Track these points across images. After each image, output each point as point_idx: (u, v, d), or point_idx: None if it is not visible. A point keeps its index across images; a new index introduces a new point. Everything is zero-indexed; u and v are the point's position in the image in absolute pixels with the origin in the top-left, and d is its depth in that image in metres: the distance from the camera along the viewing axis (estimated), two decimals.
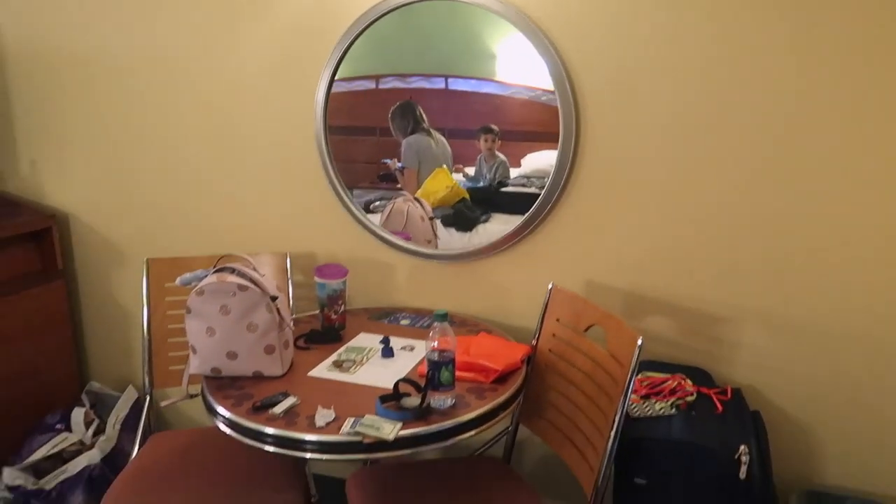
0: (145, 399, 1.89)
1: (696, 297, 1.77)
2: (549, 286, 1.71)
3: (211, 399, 1.46)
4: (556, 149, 1.81)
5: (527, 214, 1.87)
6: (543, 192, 1.84)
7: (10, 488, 1.96)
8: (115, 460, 2.08)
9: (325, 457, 1.31)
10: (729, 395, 1.63)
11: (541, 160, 1.86)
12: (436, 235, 2.00)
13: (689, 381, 1.64)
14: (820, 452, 1.77)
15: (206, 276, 1.52)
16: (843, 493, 1.72)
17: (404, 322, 1.89)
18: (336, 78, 1.96)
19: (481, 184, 1.92)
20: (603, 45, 1.70)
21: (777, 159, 1.63)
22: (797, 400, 1.75)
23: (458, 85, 1.88)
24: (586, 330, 1.56)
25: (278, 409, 1.38)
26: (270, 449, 1.34)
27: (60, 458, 2.09)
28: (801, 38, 1.55)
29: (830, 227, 1.63)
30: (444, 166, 1.94)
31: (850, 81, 1.54)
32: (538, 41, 1.74)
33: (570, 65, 1.74)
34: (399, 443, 1.30)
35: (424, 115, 1.93)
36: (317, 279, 1.78)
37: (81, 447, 2.11)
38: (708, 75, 1.64)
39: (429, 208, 1.99)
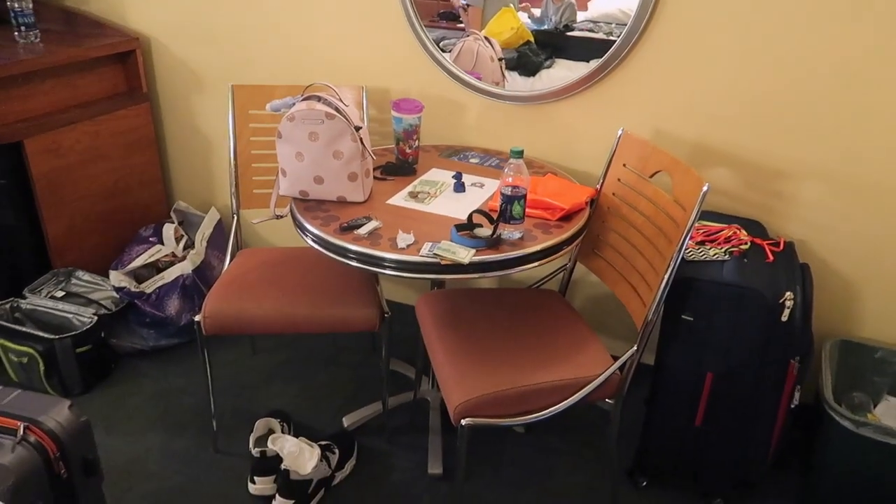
0: (233, 219, 2.06)
1: (761, 150, 1.80)
2: (619, 132, 1.76)
3: (301, 218, 1.60)
4: None
5: (600, 60, 1.86)
6: (620, 38, 1.82)
7: (117, 289, 2.21)
8: (204, 273, 2.31)
9: (404, 275, 1.47)
10: (781, 246, 1.71)
11: (609, 4, 1.81)
12: (504, 77, 2.02)
13: (743, 232, 1.71)
14: (860, 307, 1.86)
15: (294, 103, 1.61)
16: (876, 345, 1.84)
17: (473, 160, 1.98)
18: None
19: (546, 26, 1.89)
20: None
21: (868, 12, 1.58)
22: (846, 256, 1.82)
23: None
24: (652, 176, 1.62)
25: (363, 230, 1.53)
26: (354, 265, 1.50)
27: (156, 268, 2.33)
28: None
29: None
30: (511, 5, 1.91)
31: None
32: None
33: None
34: (472, 267, 1.44)
35: None
36: (393, 113, 1.86)
37: (174, 259, 2.34)
38: None
39: (499, 49, 1.99)
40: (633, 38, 1.81)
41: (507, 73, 1.99)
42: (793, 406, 1.65)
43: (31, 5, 2.20)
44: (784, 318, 1.52)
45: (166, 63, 2.46)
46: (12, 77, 2.05)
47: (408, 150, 1.89)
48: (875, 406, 1.81)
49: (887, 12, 1.57)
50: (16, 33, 2.22)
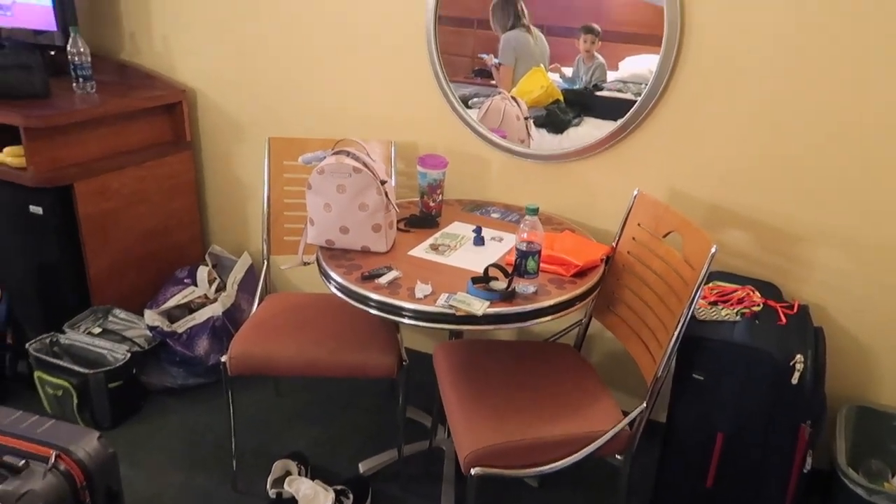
0: (263, 263, 2.16)
1: (776, 213, 1.84)
2: (635, 192, 1.81)
3: (326, 266, 1.68)
4: (657, 53, 1.81)
5: (620, 121, 1.93)
6: (640, 98, 1.88)
7: (150, 328, 2.31)
8: (233, 315, 2.40)
9: (420, 323, 1.53)
10: (795, 309, 1.73)
11: (640, 64, 1.86)
12: (529, 135, 2.10)
13: (757, 294, 1.74)
14: (878, 373, 1.86)
15: (325, 157, 1.71)
16: (895, 413, 1.83)
17: (494, 215, 2.05)
18: None
19: (577, 86, 1.96)
20: None
21: (883, 78, 1.63)
22: (863, 321, 1.83)
23: None
24: (665, 236, 1.67)
25: (384, 279, 1.60)
26: (374, 312, 1.56)
27: (188, 308, 2.43)
28: None
29: None
30: (541, 66, 1.99)
31: None
32: None
33: None
34: (486, 318, 1.49)
35: (525, 11, 1.95)
36: (419, 168, 1.95)
37: (206, 301, 2.44)
38: None
39: (525, 108, 2.08)
40: (654, 98, 1.87)
41: (535, 129, 2.05)
42: (806, 471, 1.64)
43: (89, 59, 2.37)
44: (794, 380, 1.54)
45: (209, 113, 2.61)
46: (69, 125, 2.20)
47: (431, 204, 1.97)
48: (893, 475, 1.79)
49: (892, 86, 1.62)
50: (74, 84, 2.39)
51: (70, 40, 2.32)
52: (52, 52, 2.49)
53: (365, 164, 1.68)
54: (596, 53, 1.90)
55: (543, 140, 2.06)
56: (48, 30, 2.44)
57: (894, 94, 1.63)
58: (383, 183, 1.69)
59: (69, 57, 2.34)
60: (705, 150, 1.88)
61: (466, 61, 2.09)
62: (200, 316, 2.35)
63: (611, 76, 1.90)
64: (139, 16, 2.60)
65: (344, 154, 1.70)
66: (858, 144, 1.70)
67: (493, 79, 2.07)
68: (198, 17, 2.48)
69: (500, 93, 2.09)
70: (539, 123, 2.05)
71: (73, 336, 2.26)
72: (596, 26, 1.87)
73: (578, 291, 1.61)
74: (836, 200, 1.77)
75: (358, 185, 1.67)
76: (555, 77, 1.98)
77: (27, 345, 2.18)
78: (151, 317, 2.32)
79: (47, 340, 2.23)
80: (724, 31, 1.76)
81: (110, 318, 2.38)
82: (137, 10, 2.59)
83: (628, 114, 1.91)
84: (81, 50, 2.33)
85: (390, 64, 2.21)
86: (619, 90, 1.91)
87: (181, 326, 2.33)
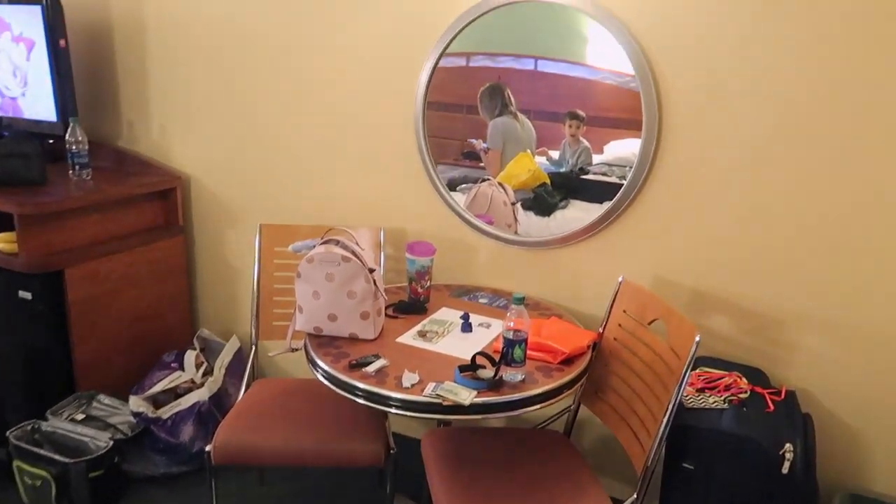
0: (251, 348, 2.16)
1: (760, 298, 1.87)
2: (619, 279, 1.84)
3: (313, 354, 1.69)
4: (639, 137, 1.87)
5: (605, 207, 1.97)
6: (624, 185, 1.93)
7: (134, 414, 2.27)
8: (220, 400, 2.38)
9: (408, 413, 1.52)
10: (782, 395, 1.73)
11: (624, 148, 1.92)
12: (516, 220, 2.14)
13: (744, 380, 1.75)
14: (869, 459, 1.85)
15: (315, 245, 1.74)
16: (889, 501, 1.80)
17: (482, 301, 2.07)
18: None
19: (563, 169, 2.01)
20: (690, 42, 1.79)
21: (861, 168, 1.70)
22: (851, 406, 1.83)
23: (547, 67, 1.94)
24: (650, 323, 1.69)
25: (371, 368, 1.60)
26: (361, 402, 1.56)
27: (174, 393, 2.40)
28: None
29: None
30: (528, 151, 2.04)
31: None
32: (622, 36, 1.83)
33: (654, 61, 1.84)
34: (473, 408, 1.49)
35: (512, 98, 2.02)
36: (407, 255, 1.98)
37: (192, 385, 2.41)
38: (800, 80, 1.70)
39: (511, 193, 2.13)
40: (636, 185, 1.92)
41: (523, 212, 2.09)
42: None
43: (87, 147, 2.43)
44: (785, 470, 1.52)
45: (203, 199, 2.66)
46: (63, 212, 2.24)
47: (420, 290, 1.99)
48: None
49: (875, 166, 1.68)
50: (70, 171, 2.44)
51: (69, 130, 2.38)
52: (51, 140, 2.55)
53: (354, 253, 1.71)
54: (581, 138, 1.96)
55: (531, 222, 2.10)
56: (48, 120, 2.51)
57: (872, 181, 1.69)
58: (371, 271, 1.72)
59: (67, 146, 2.40)
60: (688, 236, 1.92)
61: (456, 144, 2.15)
62: (186, 401, 2.32)
63: (596, 159, 1.96)
64: (138, 105, 2.68)
65: (333, 243, 1.73)
66: (838, 231, 1.75)
67: (481, 161, 2.13)
68: (195, 107, 2.57)
69: (487, 179, 2.15)
70: (527, 206, 2.10)
71: (56, 423, 2.22)
72: (580, 112, 1.94)
73: (566, 379, 1.61)
74: (816, 285, 1.80)
75: (346, 273, 1.70)
76: (542, 160, 2.04)
77: (7, 433, 2.14)
78: (136, 402, 2.29)
79: (28, 428, 2.19)
80: (701, 119, 1.83)
81: (94, 404, 2.34)
82: (137, 100, 2.68)
83: (613, 200, 1.95)
84: (79, 139, 2.40)
85: (380, 152, 2.28)
86: (605, 173, 1.96)
87: (166, 412, 2.29)
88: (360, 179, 2.34)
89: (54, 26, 2.39)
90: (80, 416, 2.27)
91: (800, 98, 1.71)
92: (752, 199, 1.82)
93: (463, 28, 2.02)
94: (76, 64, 2.65)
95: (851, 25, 1.62)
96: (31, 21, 2.41)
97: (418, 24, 2.10)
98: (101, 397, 2.35)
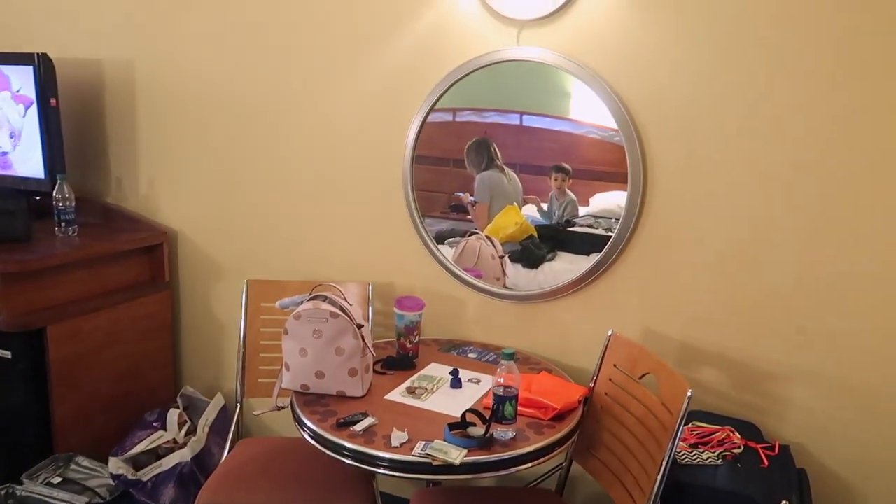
0: (236, 407, 2.11)
1: (749, 352, 1.86)
2: (609, 333, 1.84)
3: (299, 412, 1.65)
4: (625, 189, 1.90)
5: (592, 262, 1.98)
6: (612, 238, 1.94)
7: (114, 476, 2.20)
8: (203, 460, 2.31)
9: (396, 474, 1.48)
10: (776, 450, 1.71)
11: (609, 200, 1.94)
12: (505, 273, 2.15)
13: (737, 435, 1.73)
14: None
15: (302, 301, 1.73)
16: None
17: (472, 355, 2.05)
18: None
19: (550, 221, 2.03)
20: (670, 99, 1.83)
21: (842, 222, 1.72)
22: (845, 461, 1.81)
23: (532, 122, 1.98)
24: (641, 377, 1.68)
25: (359, 427, 1.56)
26: (349, 462, 1.52)
27: (156, 454, 2.33)
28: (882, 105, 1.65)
29: (888, 294, 1.70)
30: (515, 204, 2.06)
31: None
32: (604, 93, 1.87)
33: (637, 117, 1.87)
34: (464, 467, 1.46)
35: (498, 152, 2.05)
36: (396, 310, 1.97)
37: (174, 445, 2.35)
38: (780, 133, 1.74)
39: (499, 247, 2.13)
40: (624, 238, 1.94)
41: (511, 265, 2.10)
42: None
43: (73, 204, 2.42)
44: None
45: (190, 254, 2.64)
46: (47, 269, 2.21)
47: (408, 345, 1.97)
48: None
49: (859, 222, 1.70)
50: (57, 228, 2.43)
51: (56, 187, 2.38)
52: (38, 197, 2.55)
53: (342, 309, 1.70)
54: (567, 190, 1.98)
55: (519, 275, 2.10)
56: (36, 177, 2.51)
57: (854, 231, 1.71)
58: (360, 327, 1.70)
59: (54, 202, 2.39)
60: (676, 289, 1.93)
61: (444, 197, 2.16)
62: (167, 462, 2.26)
63: (582, 211, 1.98)
64: (127, 162, 2.69)
65: (321, 299, 1.72)
66: (824, 283, 1.76)
67: (469, 214, 2.14)
68: (184, 163, 2.58)
69: (475, 232, 2.16)
70: (514, 259, 2.10)
71: (31, 487, 2.14)
72: (566, 165, 1.97)
73: (557, 436, 1.58)
74: (803, 340, 1.80)
75: (334, 329, 1.68)
76: (530, 212, 2.05)
77: None
78: (116, 464, 2.22)
79: (2, 493, 2.11)
80: (685, 173, 1.86)
81: (72, 467, 2.27)
82: (126, 156, 2.69)
83: (601, 253, 1.96)
84: (66, 196, 2.39)
85: (368, 207, 2.29)
86: (591, 225, 1.98)
87: (146, 474, 2.22)
88: (349, 234, 2.34)
89: (46, 85, 2.41)
90: (56, 480, 2.20)
91: (780, 153, 1.75)
92: (738, 250, 1.84)
93: (450, 87, 2.06)
94: (67, 121, 2.67)
95: (827, 84, 1.67)
96: (28, 79, 2.43)
97: (407, 83, 2.14)
98: (80, 459, 2.28)
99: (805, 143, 1.72)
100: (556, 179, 2.00)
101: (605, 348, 1.83)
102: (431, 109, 2.11)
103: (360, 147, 2.26)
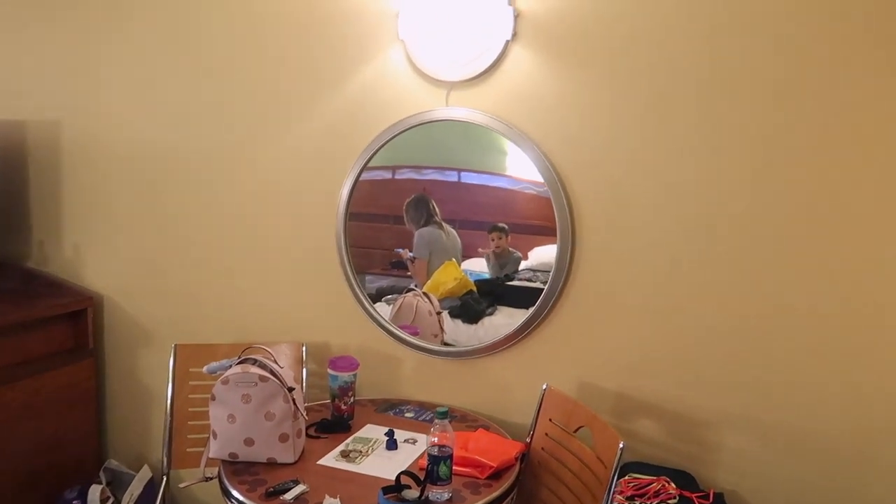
0: (162, 479, 2.01)
1: (681, 400, 1.89)
2: (543, 387, 1.84)
3: (227, 483, 1.58)
4: None
5: (526, 317, 1.99)
6: (544, 291, 1.96)
7: None
8: None
9: None
10: (710, 499, 1.72)
11: (547, 254, 1.96)
12: (442, 330, 2.14)
13: (672, 485, 1.74)
14: None
15: (230, 365, 1.68)
16: None
17: (408, 415, 2.02)
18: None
19: (490, 276, 2.03)
20: (593, 154, 1.89)
21: (761, 273, 1.78)
22: None
23: (470, 178, 2.01)
24: (576, 431, 1.68)
25: (289, 495, 1.51)
26: None
27: None
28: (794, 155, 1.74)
29: (811, 340, 1.76)
30: (454, 259, 2.07)
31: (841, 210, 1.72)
32: (531, 151, 1.92)
33: (563, 172, 1.92)
34: None
35: (437, 208, 2.07)
36: (329, 371, 1.93)
37: None
38: (701, 190, 1.81)
39: (436, 303, 2.13)
40: (555, 293, 1.96)
41: (451, 320, 2.09)
42: None
43: None
44: None
45: (116, 319, 2.55)
46: None
47: (343, 407, 1.93)
48: None
49: (778, 270, 1.77)
50: None
51: None
52: None
53: (272, 372, 1.66)
54: (510, 248, 2.00)
55: (459, 330, 2.09)
56: None
57: (778, 279, 1.77)
58: (291, 390, 1.66)
59: None
60: (608, 340, 1.95)
61: (384, 254, 2.16)
62: None
63: (522, 265, 2.00)
64: (49, 225, 2.61)
65: (250, 362, 1.68)
66: (753, 329, 1.81)
67: (409, 270, 2.14)
68: (110, 225, 2.51)
69: (412, 289, 2.15)
70: (454, 314, 2.10)
71: None
72: (502, 224, 1.99)
73: (494, 495, 1.56)
74: (733, 386, 1.84)
75: (264, 394, 1.63)
76: (471, 266, 2.06)
77: None
78: None
79: None
80: (612, 225, 1.90)
81: None
82: (49, 219, 2.60)
83: (534, 307, 1.98)
84: None
85: (302, 267, 2.27)
86: (529, 279, 2.00)
87: None
88: (283, 294, 2.30)
89: None
90: None
91: (701, 207, 1.82)
92: (667, 300, 1.88)
93: (382, 146, 2.08)
94: None
95: (742, 147, 1.77)
96: None
97: (340, 141, 2.16)
98: None
99: (722, 200, 1.79)
100: (493, 239, 2.02)
101: (541, 403, 1.83)
102: (364, 168, 2.12)
103: (294, 205, 2.25)
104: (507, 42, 1.93)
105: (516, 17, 1.91)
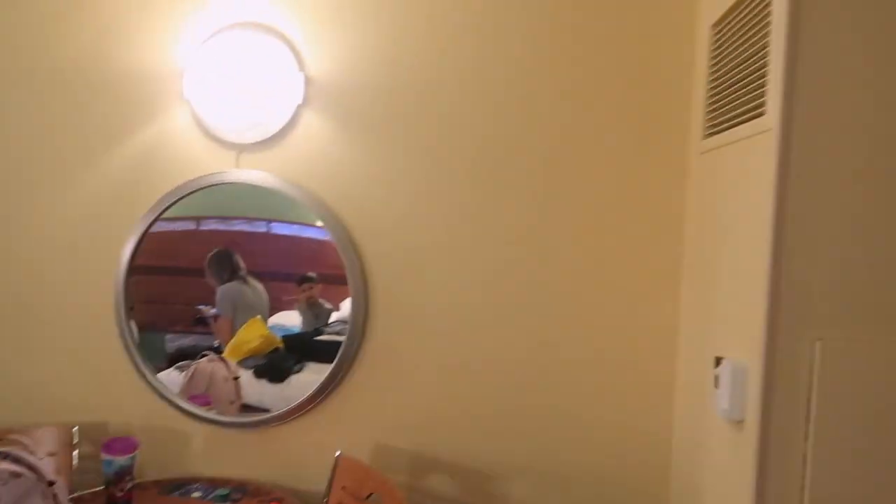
0: None
1: (470, 454, 1.97)
2: (336, 454, 1.83)
3: None
4: None
5: (325, 377, 1.96)
6: (342, 348, 1.94)
7: None
8: None
9: None
10: None
11: None
12: (239, 396, 2.04)
13: None
14: None
15: None
16: None
17: (196, 494, 1.89)
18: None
19: (302, 329, 1.99)
20: (386, 219, 1.95)
21: (539, 330, 1.93)
22: None
23: (280, 229, 1.98)
24: (367, 497, 1.68)
25: None
26: None
27: None
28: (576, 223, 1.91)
29: (587, 387, 1.92)
30: (259, 316, 2.01)
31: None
32: (323, 212, 1.94)
33: (354, 234, 1.96)
34: None
35: (242, 263, 2.00)
36: (103, 455, 1.77)
37: None
38: (484, 244, 1.93)
39: (234, 367, 2.04)
40: (353, 351, 1.96)
41: (256, 380, 2.01)
42: None
43: None
44: None
45: None
46: None
47: (118, 494, 1.77)
48: None
49: (552, 330, 1.92)
50: None
51: None
52: None
53: (29, 465, 1.48)
54: (318, 297, 1.98)
55: (265, 390, 2.01)
56: None
57: (550, 339, 1.92)
58: (51, 484, 1.49)
59: None
60: (404, 397, 1.99)
61: (187, 310, 2.04)
62: None
63: (334, 316, 1.97)
64: None
65: (1, 456, 1.49)
66: (533, 384, 1.94)
67: (212, 329, 2.03)
68: None
69: (206, 354, 2.04)
70: (259, 373, 2.02)
71: None
72: (311, 274, 1.97)
73: None
74: (515, 437, 1.95)
75: (17, 491, 1.45)
76: (281, 321, 2.00)
77: None
78: None
79: None
80: (402, 281, 1.96)
81: None
82: None
83: (332, 365, 1.95)
84: None
85: (75, 337, 2.07)
86: (339, 332, 1.97)
87: None
88: (52, 372, 2.08)
89: None
90: None
91: (486, 262, 1.93)
92: (455, 357, 1.96)
93: (170, 206, 1.99)
94: None
95: (517, 202, 1.92)
96: None
97: (120, 205, 2.03)
98: None
99: (502, 258, 1.93)
100: (303, 290, 1.98)
101: (334, 471, 1.81)
102: (157, 219, 2.00)
103: (68, 271, 2.06)
104: (299, 106, 1.95)
105: (307, 82, 1.94)
